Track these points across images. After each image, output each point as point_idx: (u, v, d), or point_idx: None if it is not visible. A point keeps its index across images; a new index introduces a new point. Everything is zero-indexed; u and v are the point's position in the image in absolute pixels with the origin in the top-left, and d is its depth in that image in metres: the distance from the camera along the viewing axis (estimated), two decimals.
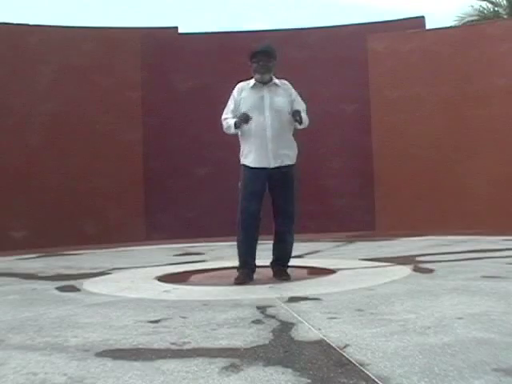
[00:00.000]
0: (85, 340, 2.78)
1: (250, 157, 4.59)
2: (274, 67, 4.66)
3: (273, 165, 4.54)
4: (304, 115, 4.63)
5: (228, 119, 4.62)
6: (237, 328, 2.92)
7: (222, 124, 4.68)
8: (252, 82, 4.66)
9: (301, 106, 4.68)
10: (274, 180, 4.56)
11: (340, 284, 4.27)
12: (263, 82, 4.62)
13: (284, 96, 4.64)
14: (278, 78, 4.73)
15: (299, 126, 4.64)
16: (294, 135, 4.72)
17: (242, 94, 4.64)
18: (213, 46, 9.93)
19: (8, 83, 9.17)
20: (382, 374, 2.09)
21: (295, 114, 4.50)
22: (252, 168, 4.57)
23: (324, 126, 9.84)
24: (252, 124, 4.52)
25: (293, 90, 4.72)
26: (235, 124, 4.52)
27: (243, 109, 4.55)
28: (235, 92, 4.68)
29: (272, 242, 4.75)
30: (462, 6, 21.96)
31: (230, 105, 4.67)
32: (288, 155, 4.62)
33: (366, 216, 9.54)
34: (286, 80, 4.80)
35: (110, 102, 9.61)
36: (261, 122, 4.52)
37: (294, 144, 4.70)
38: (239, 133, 4.65)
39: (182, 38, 10.25)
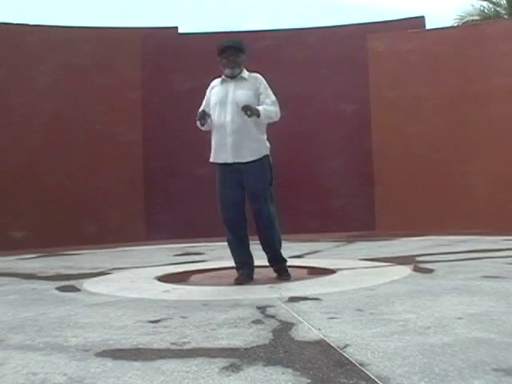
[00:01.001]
0: (85, 340, 2.78)
1: (212, 153, 4.60)
2: (243, 61, 4.64)
3: (231, 160, 4.48)
4: (270, 108, 4.49)
5: None
6: (237, 328, 2.92)
7: None
8: (222, 77, 4.65)
9: (270, 98, 4.56)
10: (245, 177, 4.50)
11: (340, 284, 4.27)
12: (232, 77, 4.59)
13: (248, 89, 4.55)
14: (250, 71, 4.67)
15: (263, 120, 4.50)
16: (267, 129, 4.63)
17: (213, 91, 4.65)
18: (213, 46, 9.86)
19: (8, 83, 9.16)
20: (382, 373, 2.09)
21: (244, 109, 4.34)
22: (218, 165, 4.56)
23: (324, 126, 9.86)
24: (215, 119, 4.52)
25: (262, 83, 4.61)
26: (200, 122, 4.51)
27: (211, 104, 4.58)
28: (208, 90, 4.72)
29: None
30: (462, 6, 22.00)
31: (204, 102, 4.71)
32: (249, 151, 4.49)
33: (365, 216, 9.54)
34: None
35: (110, 102, 9.61)
36: (222, 116, 4.51)
37: (260, 140, 4.56)
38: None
39: (182, 37, 10.25)
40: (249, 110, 4.34)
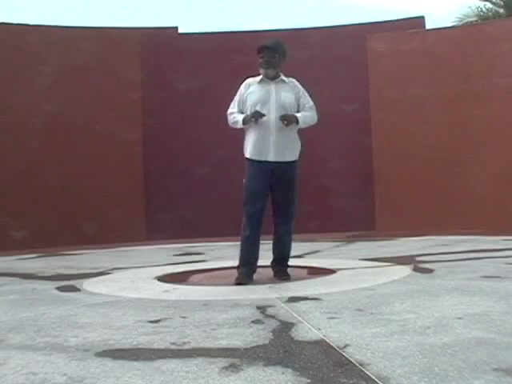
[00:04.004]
0: (85, 340, 2.78)
1: (251, 149, 4.59)
2: (279, 63, 4.68)
3: (272, 158, 4.53)
4: (309, 113, 4.67)
5: (235, 114, 4.64)
6: (237, 328, 2.92)
7: (227, 117, 4.70)
8: (259, 77, 4.68)
9: (308, 103, 4.71)
10: (275, 176, 4.55)
11: (340, 284, 4.27)
12: (269, 78, 4.64)
13: (290, 92, 4.67)
14: (286, 75, 4.75)
15: (301, 126, 4.65)
16: (298, 133, 4.73)
17: (250, 89, 4.65)
18: (213, 46, 9.93)
19: (8, 83, 9.16)
20: (382, 373, 2.09)
21: (282, 118, 4.50)
22: (253, 161, 4.56)
23: (324, 126, 9.73)
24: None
25: (300, 87, 4.74)
26: (243, 120, 4.53)
27: (249, 103, 4.58)
28: (242, 87, 4.71)
29: (271, 241, 4.75)
30: (461, 6, 21.97)
31: (236, 99, 4.69)
32: (290, 151, 4.62)
33: (365, 216, 9.53)
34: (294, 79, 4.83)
35: (110, 102, 9.60)
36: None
37: (298, 142, 4.70)
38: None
39: (182, 37, 10.25)
40: (286, 120, 4.49)
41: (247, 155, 4.62)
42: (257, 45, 4.72)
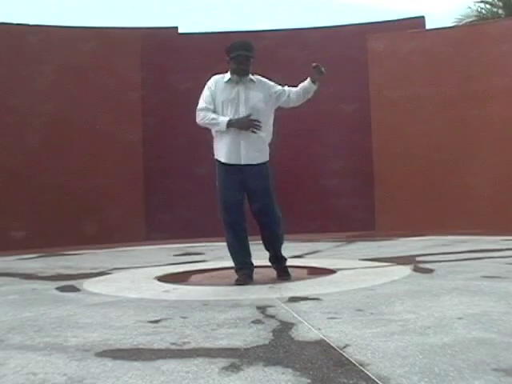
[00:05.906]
0: (85, 340, 2.77)
1: (222, 152, 4.50)
2: (252, 65, 4.57)
3: (244, 161, 4.45)
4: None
5: (210, 114, 4.49)
6: (237, 328, 2.92)
7: (198, 114, 4.57)
8: (227, 76, 4.58)
9: (286, 87, 4.63)
10: (248, 181, 4.47)
11: (340, 284, 4.27)
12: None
13: (260, 92, 4.55)
14: (252, 74, 4.64)
15: (309, 95, 4.60)
16: (274, 125, 4.64)
17: (218, 88, 4.54)
18: (213, 46, 9.91)
19: (8, 83, 9.16)
20: (382, 373, 2.08)
21: (319, 70, 4.44)
22: (225, 165, 4.50)
23: (324, 126, 9.86)
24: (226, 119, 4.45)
25: (268, 82, 4.64)
26: (228, 123, 4.40)
27: (217, 101, 4.49)
28: (210, 83, 4.59)
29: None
30: (461, 7, 21.96)
31: (208, 95, 4.56)
32: (260, 153, 4.52)
33: (365, 216, 9.54)
34: (279, 78, 4.77)
35: (110, 102, 9.61)
36: (235, 117, 4.44)
37: (267, 142, 4.59)
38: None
39: (182, 37, 10.26)
40: (322, 68, 4.45)
41: (220, 159, 4.52)
42: (233, 46, 4.60)
